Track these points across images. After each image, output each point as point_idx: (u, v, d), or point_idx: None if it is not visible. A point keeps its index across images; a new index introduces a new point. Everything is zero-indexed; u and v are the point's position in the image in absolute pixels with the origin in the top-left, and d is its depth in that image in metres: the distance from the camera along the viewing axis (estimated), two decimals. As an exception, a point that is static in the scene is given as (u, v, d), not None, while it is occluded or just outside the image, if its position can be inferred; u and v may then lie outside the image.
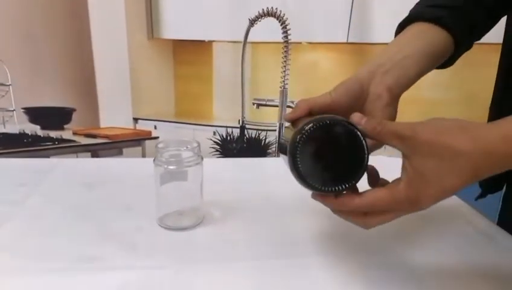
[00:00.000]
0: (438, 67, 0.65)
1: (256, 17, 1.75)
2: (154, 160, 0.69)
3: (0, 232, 0.68)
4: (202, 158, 0.71)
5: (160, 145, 0.69)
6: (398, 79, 0.57)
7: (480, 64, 1.45)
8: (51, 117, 2.04)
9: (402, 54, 0.59)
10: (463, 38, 0.63)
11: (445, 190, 0.46)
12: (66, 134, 2.05)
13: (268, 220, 0.75)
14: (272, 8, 1.74)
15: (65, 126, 2.07)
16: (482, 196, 0.79)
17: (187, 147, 0.70)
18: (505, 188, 0.80)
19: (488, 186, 0.78)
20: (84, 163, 1.12)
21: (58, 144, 2.01)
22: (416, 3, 0.67)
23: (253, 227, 0.72)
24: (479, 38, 0.69)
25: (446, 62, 0.65)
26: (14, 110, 1.98)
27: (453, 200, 0.84)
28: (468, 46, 0.67)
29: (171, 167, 0.68)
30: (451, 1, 0.63)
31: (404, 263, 0.63)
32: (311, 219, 0.75)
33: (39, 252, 0.63)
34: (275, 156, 1.92)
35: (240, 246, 0.66)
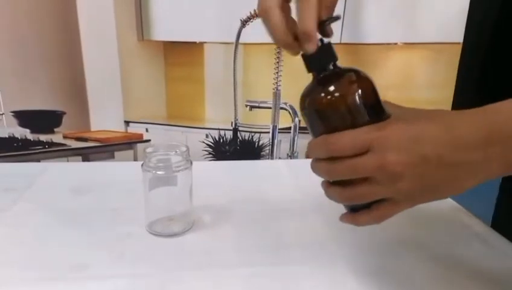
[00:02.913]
0: None
1: (248, 17, 1.73)
2: (142, 165, 0.67)
3: (-15, 241, 0.66)
4: (191, 162, 0.69)
5: (148, 150, 0.68)
6: None
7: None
8: (41, 121, 2.02)
9: None
10: None
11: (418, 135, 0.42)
12: (57, 138, 2.03)
13: (260, 226, 0.73)
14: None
15: (55, 130, 2.05)
16: None
17: (176, 152, 0.68)
18: (498, 192, 0.80)
19: None
20: (74, 167, 1.10)
21: (48, 147, 1.99)
22: None
23: (244, 232, 0.71)
24: None
25: None
26: (3, 113, 1.96)
27: (449, 204, 0.83)
28: None
29: (160, 172, 0.66)
30: None
31: (399, 267, 0.62)
32: (304, 224, 0.74)
33: (26, 260, 0.62)
34: (268, 159, 1.91)
35: (231, 252, 0.65)
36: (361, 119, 0.44)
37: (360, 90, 0.45)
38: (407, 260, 0.64)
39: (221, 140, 1.98)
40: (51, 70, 1.95)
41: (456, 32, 1.66)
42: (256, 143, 2.00)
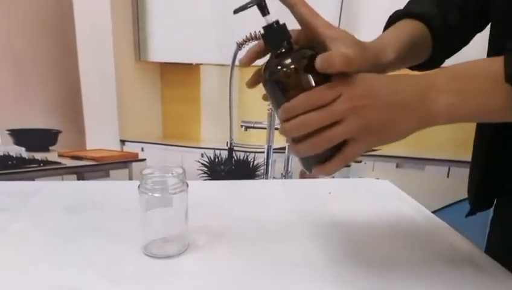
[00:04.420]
0: (421, 68, 0.70)
1: (244, 40, 1.75)
2: (139, 187, 0.68)
3: (-19, 262, 0.66)
4: (187, 185, 0.70)
5: (144, 172, 0.68)
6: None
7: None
8: (36, 139, 2.02)
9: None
10: (439, 28, 0.67)
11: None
12: (52, 156, 2.02)
13: (254, 248, 0.73)
14: (260, 32, 1.74)
15: (50, 148, 2.05)
16: (471, 213, 0.79)
17: (172, 174, 0.69)
18: (492, 212, 0.80)
19: (478, 202, 0.78)
20: (68, 186, 1.10)
21: (43, 166, 1.98)
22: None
23: (239, 255, 0.71)
24: (465, 40, 0.73)
25: (430, 62, 0.69)
26: (-2, 131, 1.96)
27: (438, 224, 0.84)
28: (450, 44, 0.71)
29: (156, 195, 0.67)
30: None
31: (390, 288, 0.62)
32: (298, 247, 0.74)
33: (20, 282, 0.61)
34: (263, 178, 1.91)
35: (225, 275, 0.65)
36: (319, 78, 0.53)
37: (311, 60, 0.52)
38: (398, 283, 0.64)
39: (217, 160, 1.99)
40: (47, 88, 1.95)
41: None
42: (251, 163, 2.01)
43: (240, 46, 1.76)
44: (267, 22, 0.54)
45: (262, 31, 0.55)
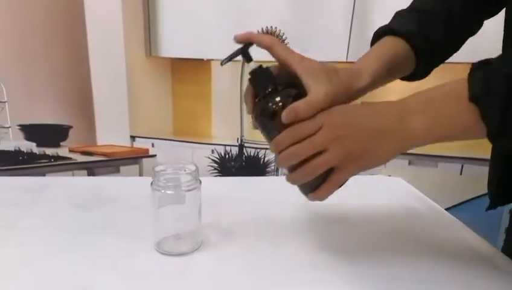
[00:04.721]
0: (410, 79, 0.72)
1: (256, 35, 1.73)
2: (151, 184, 0.67)
3: (-7, 259, 0.66)
4: (200, 182, 0.69)
5: (157, 169, 0.67)
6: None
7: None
8: (47, 134, 2.02)
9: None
10: (420, 43, 0.67)
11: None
12: (62, 151, 2.02)
13: (267, 245, 0.72)
14: (272, 27, 1.73)
15: (61, 143, 2.05)
16: (491, 207, 0.78)
17: (185, 171, 0.68)
18: (508, 220, 0.79)
19: (499, 196, 0.76)
20: (79, 182, 1.09)
21: (54, 161, 1.98)
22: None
23: (252, 252, 0.70)
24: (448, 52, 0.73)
25: (416, 74, 0.71)
26: (9, 127, 1.96)
27: (452, 222, 0.83)
28: (434, 59, 0.71)
29: (169, 192, 0.66)
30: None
31: (399, 285, 0.61)
32: (310, 243, 0.72)
33: (31, 280, 0.61)
34: (273, 175, 1.90)
35: (238, 273, 0.64)
36: None
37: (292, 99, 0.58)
38: (412, 282, 0.63)
39: (227, 156, 1.98)
40: (58, 84, 1.95)
41: (467, 52, 1.65)
42: (262, 159, 1.99)
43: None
44: (251, 68, 0.60)
45: (249, 76, 0.61)
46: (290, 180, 0.61)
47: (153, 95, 2.06)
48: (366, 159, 0.57)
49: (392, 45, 0.67)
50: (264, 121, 0.61)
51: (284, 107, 0.58)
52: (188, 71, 2.04)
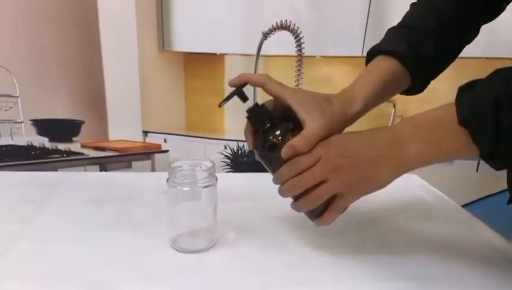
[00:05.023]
0: (408, 93, 0.73)
1: (270, 30, 1.72)
2: (167, 180, 0.66)
3: (8, 255, 0.65)
4: (217, 179, 0.68)
5: (173, 165, 0.66)
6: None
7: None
8: (59, 129, 2.02)
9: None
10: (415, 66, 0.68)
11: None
12: (75, 147, 2.02)
13: (285, 243, 0.71)
14: (286, 21, 1.71)
15: (73, 139, 2.05)
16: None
17: (201, 167, 0.67)
18: None
19: None
20: (93, 177, 1.09)
21: (66, 156, 1.98)
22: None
23: (268, 250, 0.69)
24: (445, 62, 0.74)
25: (413, 89, 0.72)
26: (22, 122, 1.96)
27: (470, 218, 0.82)
28: (428, 73, 0.72)
29: (186, 189, 0.65)
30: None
31: (421, 284, 0.60)
32: (326, 240, 0.71)
33: (46, 277, 0.60)
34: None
35: (254, 272, 0.63)
36: None
37: (290, 132, 0.62)
38: (435, 281, 0.61)
39: (240, 152, 1.96)
40: (71, 79, 1.95)
41: (480, 47, 1.63)
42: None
43: (265, 35, 1.72)
44: (248, 106, 0.65)
45: (246, 114, 0.65)
46: (295, 208, 0.63)
47: (165, 90, 2.05)
48: (364, 186, 0.60)
49: (384, 65, 0.68)
50: (265, 155, 0.65)
51: (283, 140, 0.61)
52: (201, 66, 2.02)
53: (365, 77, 0.68)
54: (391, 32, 0.72)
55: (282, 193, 0.63)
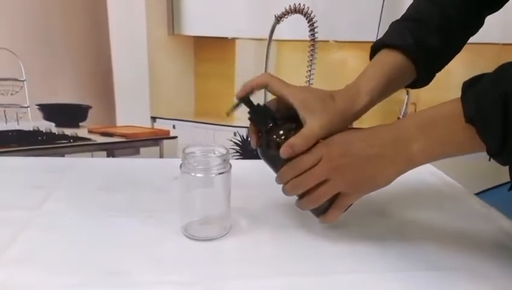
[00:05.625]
0: (414, 86, 0.73)
1: (283, 13, 1.69)
2: (180, 166, 0.64)
3: (18, 242, 0.63)
4: (231, 166, 0.66)
5: (187, 151, 0.64)
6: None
7: None
8: (66, 114, 2.00)
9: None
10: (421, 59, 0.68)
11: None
12: (82, 132, 2.01)
13: (297, 232, 0.71)
14: (300, 4, 1.68)
15: (80, 124, 2.03)
16: None
17: (215, 153, 0.65)
18: None
19: None
20: (102, 163, 1.08)
21: (73, 142, 1.97)
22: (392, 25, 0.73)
23: (281, 239, 0.69)
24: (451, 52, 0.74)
25: (419, 81, 0.72)
26: (28, 106, 1.94)
27: (485, 207, 0.83)
28: (434, 65, 0.72)
29: (199, 175, 0.63)
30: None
31: (438, 273, 0.60)
32: (339, 228, 0.71)
33: (56, 265, 0.59)
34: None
35: (268, 260, 0.63)
36: None
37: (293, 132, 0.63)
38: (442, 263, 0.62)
39: (249, 138, 1.94)
40: (78, 63, 1.93)
41: (497, 33, 1.60)
42: (284, 142, 1.96)
43: (278, 19, 1.70)
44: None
45: (249, 116, 0.67)
46: (299, 206, 0.65)
47: (174, 75, 2.01)
48: (367, 184, 0.61)
49: (389, 59, 0.68)
50: (268, 154, 0.66)
51: (285, 140, 0.62)
52: (211, 50, 1.98)
53: (370, 72, 0.68)
54: (395, 25, 0.71)
55: (285, 192, 0.64)
